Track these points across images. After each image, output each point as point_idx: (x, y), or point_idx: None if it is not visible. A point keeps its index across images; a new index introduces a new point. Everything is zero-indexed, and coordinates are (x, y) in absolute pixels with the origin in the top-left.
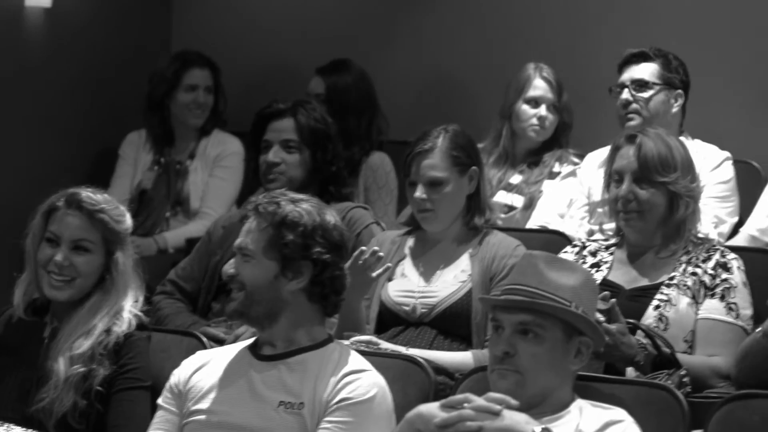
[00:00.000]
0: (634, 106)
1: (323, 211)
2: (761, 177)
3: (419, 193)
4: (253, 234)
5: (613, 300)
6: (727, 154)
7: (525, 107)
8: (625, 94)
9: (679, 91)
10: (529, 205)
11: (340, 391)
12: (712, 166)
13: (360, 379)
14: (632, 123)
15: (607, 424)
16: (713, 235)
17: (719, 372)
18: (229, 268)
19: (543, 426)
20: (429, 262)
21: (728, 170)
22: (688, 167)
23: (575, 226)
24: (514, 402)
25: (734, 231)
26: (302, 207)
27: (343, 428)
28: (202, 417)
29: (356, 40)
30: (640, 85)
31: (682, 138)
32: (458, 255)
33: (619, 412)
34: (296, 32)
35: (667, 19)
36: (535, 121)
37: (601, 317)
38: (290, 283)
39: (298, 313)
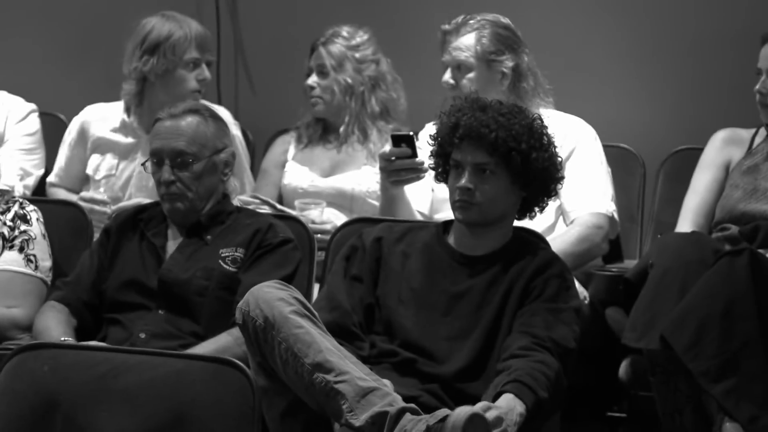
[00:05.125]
0: None
1: None
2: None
3: None
4: None
5: None
6: (33, 106)
7: None
8: None
9: None
10: None
11: None
12: (17, 118)
13: None
14: None
15: None
16: (19, 187)
17: (18, 323)
18: None
19: None
20: None
21: (34, 122)
22: None
23: None
24: None
25: (42, 182)
26: None
27: None
28: None
29: None
30: None
31: None
32: None
33: None
34: None
35: None
36: None
37: None
38: None
39: None
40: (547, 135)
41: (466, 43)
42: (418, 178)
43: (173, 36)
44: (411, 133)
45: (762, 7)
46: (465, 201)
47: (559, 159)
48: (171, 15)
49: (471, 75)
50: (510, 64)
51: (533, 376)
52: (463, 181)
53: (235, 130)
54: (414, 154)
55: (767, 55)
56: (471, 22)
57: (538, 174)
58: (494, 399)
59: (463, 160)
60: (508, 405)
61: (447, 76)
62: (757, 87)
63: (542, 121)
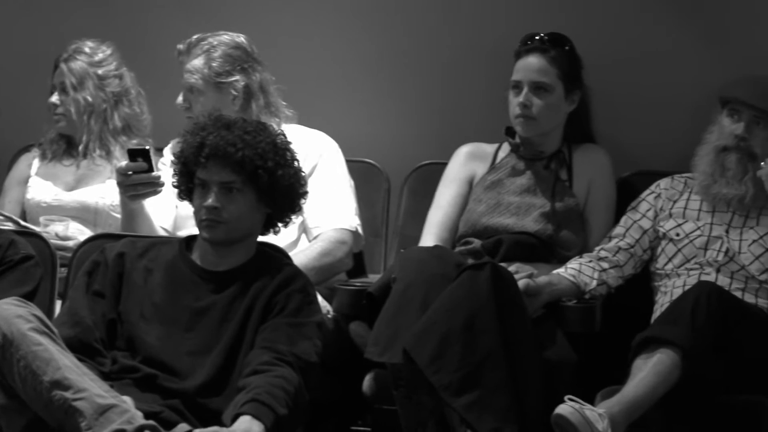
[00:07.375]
0: None
1: None
2: None
3: None
4: None
5: None
6: None
7: None
8: None
9: None
10: None
11: None
12: None
13: None
14: None
15: None
16: None
17: None
18: None
19: None
20: None
21: None
22: None
23: None
24: None
25: None
26: None
27: None
28: None
29: None
30: None
31: None
32: None
33: None
34: None
35: None
36: None
37: None
38: None
39: None
40: (291, 151)
41: (196, 65)
42: (155, 193)
43: None
44: (147, 147)
45: (510, 26)
46: (212, 220)
47: (303, 174)
48: None
49: (202, 98)
50: (240, 84)
51: (272, 393)
52: (209, 201)
53: None
54: (150, 168)
55: (525, 68)
56: (202, 43)
57: (283, 190)
58: (233, 419)
59: (209, 179)
60: (245, 428)
61: (180, 99)
62: (521, 99)
63: (285, 137)
